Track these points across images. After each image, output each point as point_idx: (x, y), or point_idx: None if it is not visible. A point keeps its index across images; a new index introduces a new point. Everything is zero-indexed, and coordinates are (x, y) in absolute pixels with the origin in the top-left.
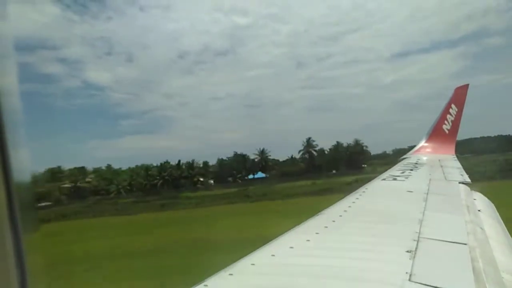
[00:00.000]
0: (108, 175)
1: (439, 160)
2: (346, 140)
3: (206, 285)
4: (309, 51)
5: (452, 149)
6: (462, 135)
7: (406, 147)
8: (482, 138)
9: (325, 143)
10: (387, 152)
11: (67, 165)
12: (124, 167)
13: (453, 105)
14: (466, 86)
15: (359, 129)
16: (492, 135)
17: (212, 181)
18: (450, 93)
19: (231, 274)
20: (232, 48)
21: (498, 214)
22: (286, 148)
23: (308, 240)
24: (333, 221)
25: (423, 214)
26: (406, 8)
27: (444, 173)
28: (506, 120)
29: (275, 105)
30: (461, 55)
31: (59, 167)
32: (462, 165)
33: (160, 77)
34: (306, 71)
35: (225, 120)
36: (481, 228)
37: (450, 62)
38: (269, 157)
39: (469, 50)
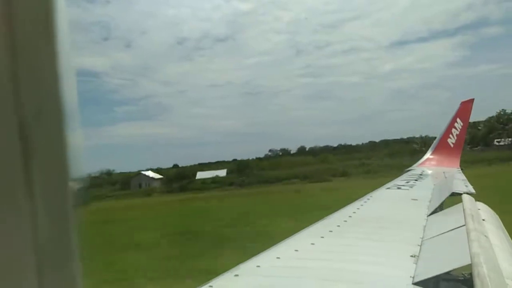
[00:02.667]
0: None
1: (443, 172)
2: (341, 128)
3: (211, 286)
4: (309, 39)
5: (457, 162)
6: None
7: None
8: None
9: (320, 131)
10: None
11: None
12: None
13: (458, 119)
14: (471, 100)
15: (356, 118)
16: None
17: None
18: (446, 83)
19: (236, 275)
20: (232, 34)
21: (502, 224)
22: (284, 136)
23: (313, 244)
24: (338, 226)
25: (427, 221)
26: None
27: (448, 184)
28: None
29: (274, 93)
30: (459, 44)
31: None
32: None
33: (158, 63)
34: (305, 59)
35: (223, 108)
36: (485, 236)
37: (448, 51)
38: None
39: (467, 40)
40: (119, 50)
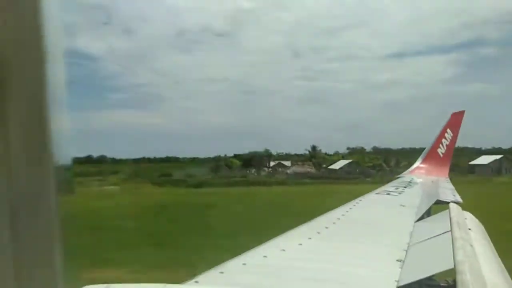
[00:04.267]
0: None
1: (432, 181)
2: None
3: (197, 281)
4: (308, 42)
5: (445, 171)
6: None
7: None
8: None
9: (312, 136)
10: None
11: None
12: None
13: (448, 130)
14: (462, 112)
15: (344, 126)
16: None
17: None
18: (437, 98)
19: (221, 272)
20: (232, 30)
21: (487, 234)
22: (273, 138)
23: (301, 244)
24: (326, 227)
25: (414, 226)
26: (409, 10)
27: (436, 193)
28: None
29: (267, 93)
30: (454, 62)
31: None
32: None
33: (155, 52)
34: (302, 61)
35: (215, 103)
36: (470, 245)
37: (442, 67)
38: None
39: (462, 58)
40: (116, 36)
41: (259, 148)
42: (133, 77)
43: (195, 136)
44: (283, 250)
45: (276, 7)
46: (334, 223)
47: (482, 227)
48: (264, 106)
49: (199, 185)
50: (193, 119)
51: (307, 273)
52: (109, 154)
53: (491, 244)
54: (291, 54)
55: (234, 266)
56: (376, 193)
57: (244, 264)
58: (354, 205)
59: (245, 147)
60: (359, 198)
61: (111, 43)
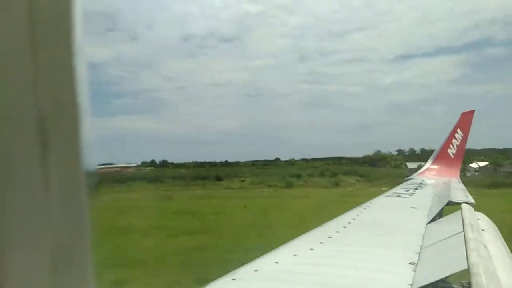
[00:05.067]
0: None
1: (443, 182)
2: (336, 137)
3: None
4: (314, 46)
5: (456, 172)
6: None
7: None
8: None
9: (316, 138)
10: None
11: None
12: None
13: (458, 130)
14: (472, 112)
15: (350, 128)
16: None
17: None
18: (445, 99)
19: (233, 279)
20: (238, 35)
21: (501, 235)
22: (278, 141)
23: (312, 249)
24: (337, 231)
25: (426, 228)
26: (416, 11)
27: (448, 193)
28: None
29: (273, 97)
30: (462, 62)
31: None
32: None
33: (161, 58)
34: (308, 65)
35: (221, 108)
36: (484, 246)
37: (450, 68)
38: None
39: (470, 58)
40: (122, 42)
41: (266, 151)
42: (137, 83)
43: (202, 139)
44: (295, 255)
45: (283, 10)
46: (345, 227)
47: (495, 228)
48: (271, 109)
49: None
50: (199, 123)
51: (320, 278)
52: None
53: (506, 245)
54: (298, 58)
55: (246, 273)
56: (387, 196)
57: (256, 270)
58: (364, 209)
59: (254, 151)
60: (369, 201)
61: (115, 49)
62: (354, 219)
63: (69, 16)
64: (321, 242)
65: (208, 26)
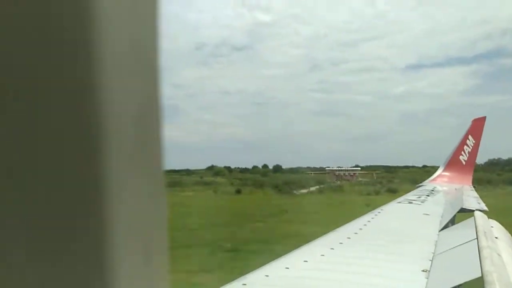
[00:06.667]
0: None
1: (455, 189)
2: (344, 146)
3: None
4: (325, 55)
5: (469, 179)
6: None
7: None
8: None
9: (323, 146)
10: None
11: None
12: None
13: (470, 137)
14: (483, 118)
15: (361, 137)
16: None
17: None
18: (456, 110)
19: (244, 284)
20: (250, 44)
21: None
22: (287, 149)
23: (323, 255)
24: (348, 238)
25: (438, 236)
26: (428, 21)
27: (461, 200)
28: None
29: (284, 105)
30: (473, 73)
31: None
32: None
33: (172, 66)
34: (319, 74)
35: (231, 116)
36: (498, 254)
37: (461, 79)
38: None
39: (481, 69)
40: None
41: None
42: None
43: (214, 147)
44: (306, 261)
45: (295, 20)
46: (356, 233)
47: (509, 235)
48: (281, 118)
49: None
50: (210, 131)
51: (330, 284)
52: None
53: None
54: (309, 67)
55: (256, 278)
56: (398, 202)
57: (266, 275)
58: (376, 215)
59: (263, 158)
60: (380, 208)
61: None
62: (365, 225)
63: (156, 20)
64: (332, 248)
65: (221, 35)
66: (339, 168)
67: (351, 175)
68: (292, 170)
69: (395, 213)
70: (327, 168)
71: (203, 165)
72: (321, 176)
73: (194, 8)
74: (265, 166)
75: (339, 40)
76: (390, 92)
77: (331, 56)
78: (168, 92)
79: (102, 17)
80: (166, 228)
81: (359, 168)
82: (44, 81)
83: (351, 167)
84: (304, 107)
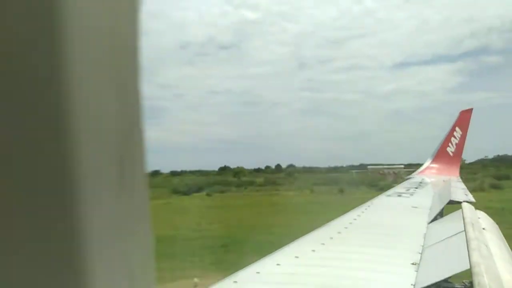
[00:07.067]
0: None
1: (443, 181)
2: (331, 144)
3: None
4: (313, 53)
5: (456, 171)
6: None
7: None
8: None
9: (312, 145)
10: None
11: None
12: None
13: (457, 128)
14: (470, 110)
15: (350, 136)
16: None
17: None
18: (442, 107)
19: (235, 282)
20: (237, 42)
21: (501, 233)
22: (277, 149)
23: (314, 251)
24: (339, 232)
25: (427, 228)
26: (415, 20)
27: (448, 193)
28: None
29: (271, 105)
30: (459, 70)
31: None
32: None
33: (157, 65)
34: (307, 73)
35: (218, 115)
36: (485, 245)
37: (448, 76)
38: None
39: (467, 67)
40: None
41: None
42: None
43: (202, 148)
44: (297, 257)
45: (282, 18)
46: (346, 227)
47: (496, 226)
48: (269, 117)
49: None
50: (198, 131)
51: (321, 279)
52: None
53: (506, 243)
54: (297, 65)
55: (247, 275)
56: (387, 195)
57: (257, 272)
58: (366, 209)
59: (254, 159)
60: (370, 202)
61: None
62: (355, 219)
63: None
64: (322, 243)
65: (206, 34)
66: (383, 166)
67: (395, 173)
68: (310, 169)
69: (384, 207)
70: (368, 167)
71: (192, 167)
72: (363, 175)
73: (179, 6)
74: (278, 166)
75: (327, 37)
76: (377, 90)
77: (318, 54)
78: (152, 92)
79: (75, 12)
80: (150, 229)
81: (403, 166)
82: (21, 82)
83: (391, 165)
84: (292, 106)
